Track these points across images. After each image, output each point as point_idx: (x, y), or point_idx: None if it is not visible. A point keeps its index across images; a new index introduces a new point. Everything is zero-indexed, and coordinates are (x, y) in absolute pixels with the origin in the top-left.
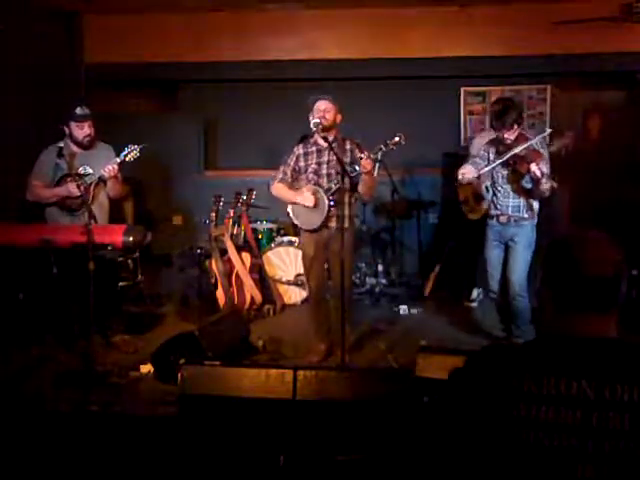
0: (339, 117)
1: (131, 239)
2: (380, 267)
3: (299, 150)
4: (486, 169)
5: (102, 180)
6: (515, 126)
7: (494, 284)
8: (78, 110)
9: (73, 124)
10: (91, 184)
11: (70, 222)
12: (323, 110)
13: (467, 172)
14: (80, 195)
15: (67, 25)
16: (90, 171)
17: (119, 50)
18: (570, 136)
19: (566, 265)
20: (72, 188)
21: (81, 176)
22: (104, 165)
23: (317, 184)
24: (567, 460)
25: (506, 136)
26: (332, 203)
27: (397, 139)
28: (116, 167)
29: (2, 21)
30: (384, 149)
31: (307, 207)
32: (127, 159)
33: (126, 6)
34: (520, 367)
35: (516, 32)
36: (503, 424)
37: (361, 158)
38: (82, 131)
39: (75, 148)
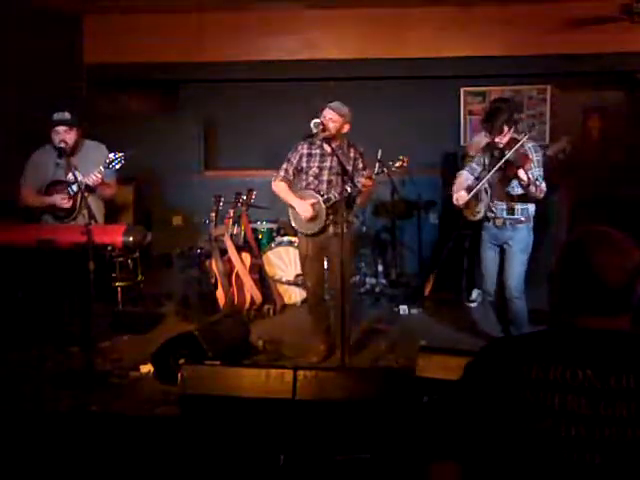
0: (347, 127)
1: (131, 239)
2: (380, 267)
3: (303, 149)
4: (478, 186)
5: (89, 188)
6: (505, 129)
7: (489, 286)
8: (55, 115)
9: (53, 129)
10: (77, 192)
11: None
12: (328, 119)
13: (460, 198)
14: (68, 204)
15: (67, 25)
16: (79, 177)
17: (119, 50)
18: (566, 140)
19: (584, 272)
20: (59, 200)
21: (68, 184)
22: (92, 169)
23: (316, 189)
24: (575, 448)
25: (497, 140)
26: (330, 212)
27: (400, 163)
28: (99, 176)
29: (3, 21)
30: (386, 171)
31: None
32: (111, 167)
33: (126, 6)
34: (528, 356)
35: (516, 32)
36: (512, 411)
37: (363, 172)
38: (56, 136)
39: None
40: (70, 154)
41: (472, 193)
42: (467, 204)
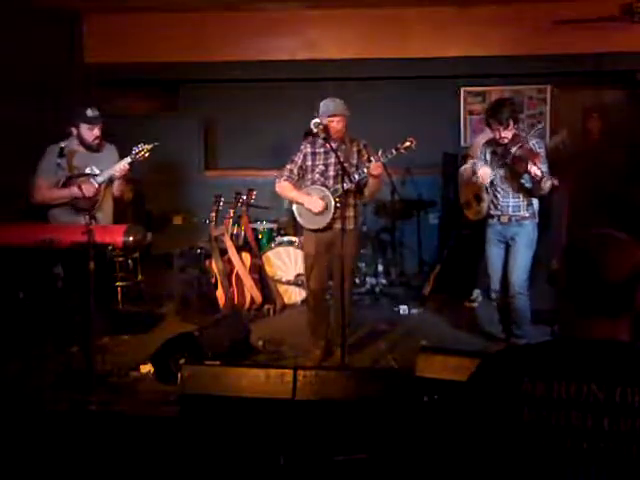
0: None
1: (131, 239)
2: (380, 267)
3: (307, 149)
4: (495, 170)
5: (111, 180)
6: (510, 124)
7: (495, 284)
8: (89, 112)
9: (83, 125)
10: (101, 184)
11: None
12: (337, 122)
13: (485, 174)
14: (93, 196)
15: (67, 25)
16: (97, 171)
17: (119, 50)
18: (564, 132)
19: (586, 269)
20: (86, 189)
21: (89, 176)
22: (110, 165)
23: (323, 185)
24: (579, 463)
25: (503, 135)
26: (338, 205)
27: (408, 144)
28: (127, 166)
29: (3, 21)
30: (394, 153)
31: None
32: (138, 158)
33: (126, 6)
34: (530, 371)
35: (516, 32)
36: (514, 428)
37: (370, 161)
38: (92, 133)
39: (80, 148)
40: (96, 150)
41: (495, 170)
42: (468, 204)
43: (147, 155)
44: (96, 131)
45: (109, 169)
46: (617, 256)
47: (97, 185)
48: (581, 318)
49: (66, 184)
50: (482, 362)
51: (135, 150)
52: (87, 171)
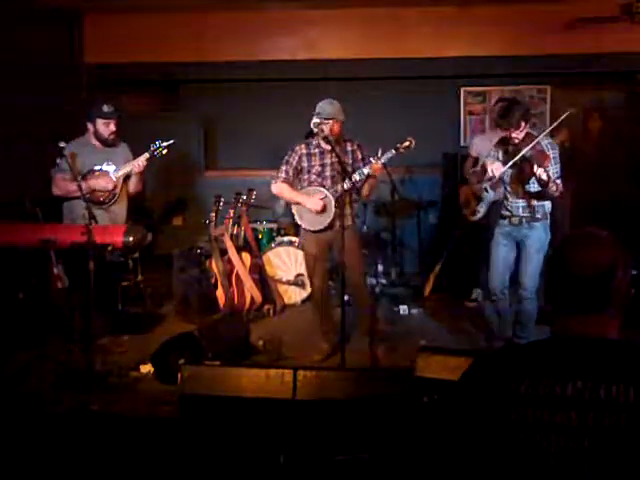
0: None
1: (131, 239)
2: (380, 267)
3: (302, 150)
4: (506, 167)
5: (127, 176)
6: (522, 124)
7: (496, 284)
8: (105, 107)
9: (100, 121)
10: (119, 178)
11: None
12: (333, 125)
13: (497, 168)
14: (111, 189)
15: (67, 25)
16: (113, 167)
17: (119, 50)
18: (565, 132)
19: (558, 264)
20: (105, 181)
21: (107, 170)
22: (124, 161)
23: (321, 186)
24: (565, 461)
25: (514, 135)
26: (336, 205)
27: (407, 143)
28: (145, 162)
29: (3, 21)
30: (394, 153)
31: (314, 211)
32: (156, 154)
33: (126, 6)
34: (518, 371)
35: (516, 32)
36: (501, 427)
37: (369, 162)
38: (108, 128)
39: (94, 142)
40: (111, 145)
41: (507, 167)
42: (467, 203)
43: (164, 152)
44: (112, 126)
45: (128, 164)
46: (588, 252)
47: (114, 179)
48: (561, 315)
49: (85, 177)
50: (473, 362)
51: (153, 147)
52: (104, 166)
